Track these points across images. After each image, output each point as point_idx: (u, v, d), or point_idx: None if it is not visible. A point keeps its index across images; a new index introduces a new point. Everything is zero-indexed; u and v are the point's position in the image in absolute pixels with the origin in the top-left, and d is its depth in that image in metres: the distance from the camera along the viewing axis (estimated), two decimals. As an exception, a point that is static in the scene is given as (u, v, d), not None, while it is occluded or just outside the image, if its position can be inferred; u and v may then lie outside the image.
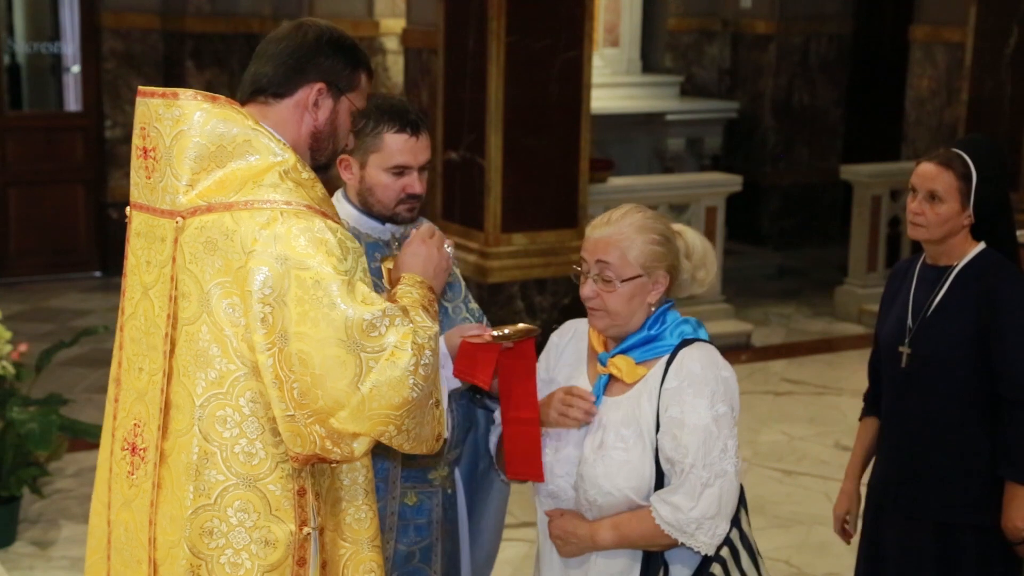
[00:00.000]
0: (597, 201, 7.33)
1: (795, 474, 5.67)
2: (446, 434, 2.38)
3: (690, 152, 9.95)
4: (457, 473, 3.07)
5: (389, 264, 2.58)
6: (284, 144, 2.28)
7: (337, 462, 2.27)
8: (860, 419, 3.51)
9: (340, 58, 2.35)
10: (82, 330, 5.26)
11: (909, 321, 3.22)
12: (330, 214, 2.25)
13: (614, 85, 9.52)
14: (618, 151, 9.29)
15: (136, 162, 2.32)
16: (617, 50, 9.76)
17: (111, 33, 9.07)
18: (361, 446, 2.21)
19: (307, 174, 2.28)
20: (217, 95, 2.28)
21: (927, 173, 3.17)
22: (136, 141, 2.31)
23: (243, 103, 2.35)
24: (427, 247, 2.51)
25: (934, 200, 3.14)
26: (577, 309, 2.72)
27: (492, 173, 6.75)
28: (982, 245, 3.20)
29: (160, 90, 2.27)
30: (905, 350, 3.21)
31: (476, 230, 6.91)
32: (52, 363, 5.29)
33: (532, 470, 2.74)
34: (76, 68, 9.14)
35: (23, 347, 4.90)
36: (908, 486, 3.24)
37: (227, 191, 2.21)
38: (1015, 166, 8.57)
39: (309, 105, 2.33)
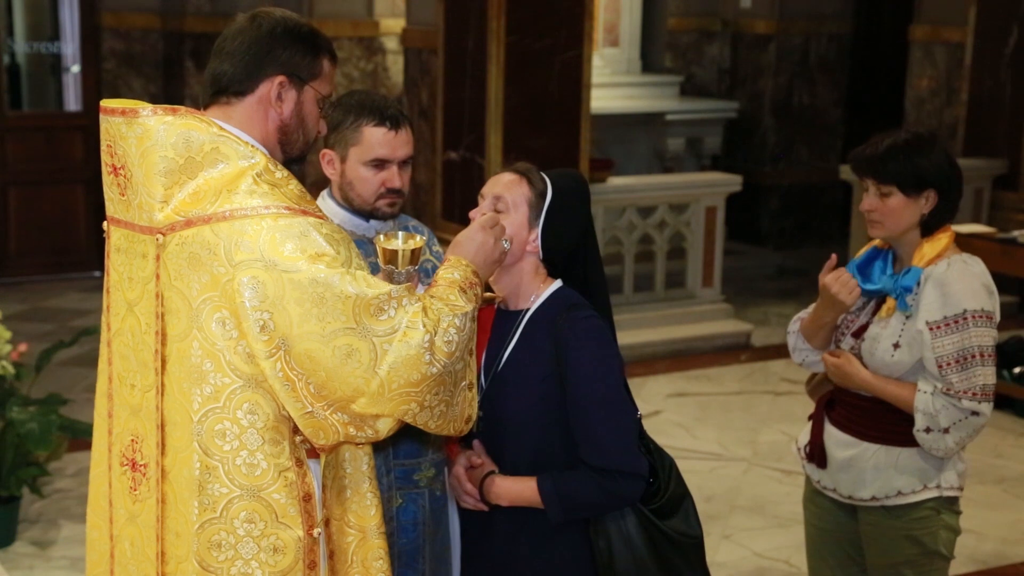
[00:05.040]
0: (597, 201, 7.33)
1: (795, 474, 5.66)
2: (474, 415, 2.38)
3: (690, 152, 9.96)
4: (447, 474, 3.07)
5: (386, 244, 2.54)
6: (252, 146, 2.25)
7: (363, 443, 2.28)
8: None
9: (299, 48, 2.31)
10: (82, 330, 5.25)
11: (482, 379, 2.69)
12: (310, 210, 2.22)
13: (614, 85, 9.52)
14: (618, 151, 9.29)
15: (108, 178, 2.29)
16: (617, 50, 9.76)
17: (111, 33, 9.07)
18: (385, 425, 2.20)
19: (280, 173, 2.25)
20: (177, 107, 2.25)
21: (498, 179, 2.71)
22: (105, 158, 2.28)
23: (207, 105, 2.33)
24: (484, 235, 2.47)
25: (499, 213, 2.65)
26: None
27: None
28: (558, 283, 2.70)
29: (120, 107, 2.23)
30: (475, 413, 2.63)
31: (476, 230, 6.91)
32: (52, 363, 5.29)
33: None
34: (76, 68, 9.14)
35: (23, 347, 4.90)
36: None
37: (203, 203, 2.18)
38: (1015, 166, 8.58)
39: (272, 100, 2.30)
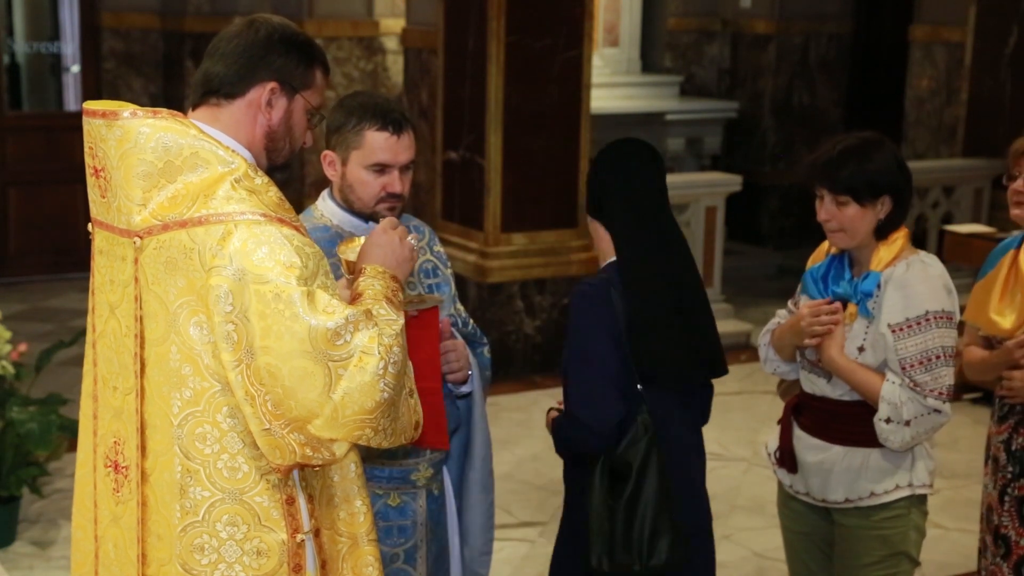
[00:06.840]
0: (597, 201, 7.33)
1: (795, 474, 5.66)
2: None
3: (690, 152, 9.96)
4: (446, 474, 3.07)
5: (349, 255, 2.56)
6: (233, 151, 2.24)
7: (320, 466, 2.26)
8: None
9: (293, 56, 2.31)
10: (82, 330, 5.22)
11: None
12: (287, 219, 2.21)
13: (614, 85, 9.52)
14: (618, 151, 9.28)
15: (90, 180, 2.29)
16: (617, 50, 9.77)
17: (111, 33, 9.07)
18: (341, 448, 2.19)
19: (260, 179, 2.24)
20: (159, 109, 2.25)
21: None
22: (87, 160, 2.28)
23: (195, 105, 2.32)
24: (388, 237, 2.44)
25: None
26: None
27: (492, 173, 6.75)
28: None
29: (101, 109, 2.23)
30: None
31: (476, 230, 6.91)
32: (52, 363, 5.28)
33: (438, 437, 2.77)
34: (76, 68, 9.14)
35: (23, 347, 4.91)
36: None
37: (180, 207, 2.17)
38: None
39: (262, 105, 2.29)
